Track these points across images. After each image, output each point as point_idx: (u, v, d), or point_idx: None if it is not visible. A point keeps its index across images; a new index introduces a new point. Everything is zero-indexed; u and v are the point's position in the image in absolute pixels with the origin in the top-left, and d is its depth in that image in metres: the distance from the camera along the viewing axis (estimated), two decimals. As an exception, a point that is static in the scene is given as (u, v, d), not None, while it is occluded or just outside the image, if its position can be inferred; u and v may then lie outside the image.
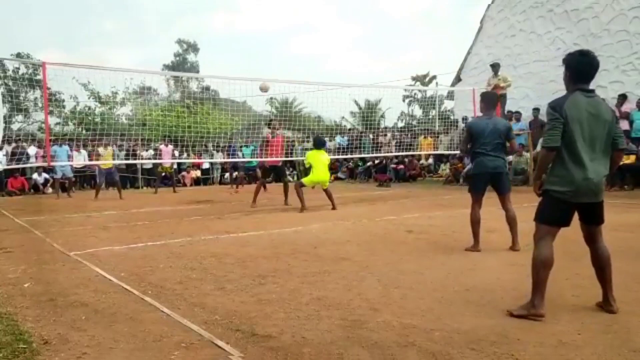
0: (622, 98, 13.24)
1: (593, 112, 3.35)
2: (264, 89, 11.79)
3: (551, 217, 3.47)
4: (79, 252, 5.97)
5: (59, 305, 3.87)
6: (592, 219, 3.52)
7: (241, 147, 18.35)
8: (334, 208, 10.21)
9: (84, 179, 19.20)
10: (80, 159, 15.58)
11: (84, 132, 12.88)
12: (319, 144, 10.73)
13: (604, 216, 3.54)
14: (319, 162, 10.37)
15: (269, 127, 12.12)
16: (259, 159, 12.70)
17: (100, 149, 14.31)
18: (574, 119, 3.32)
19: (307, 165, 10.75)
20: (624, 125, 12.90)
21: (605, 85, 13.97)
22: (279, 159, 11.59)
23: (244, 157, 16.71)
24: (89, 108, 22.89)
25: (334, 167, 21.35)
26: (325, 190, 10.54)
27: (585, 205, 3.43)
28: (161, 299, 3.97)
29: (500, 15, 16.98)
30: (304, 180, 10.53)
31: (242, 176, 18.92)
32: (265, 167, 12.03)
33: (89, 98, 22.09)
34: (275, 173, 12.12)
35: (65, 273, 4.98)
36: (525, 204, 10.23)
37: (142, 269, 5.04)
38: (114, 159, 14.50)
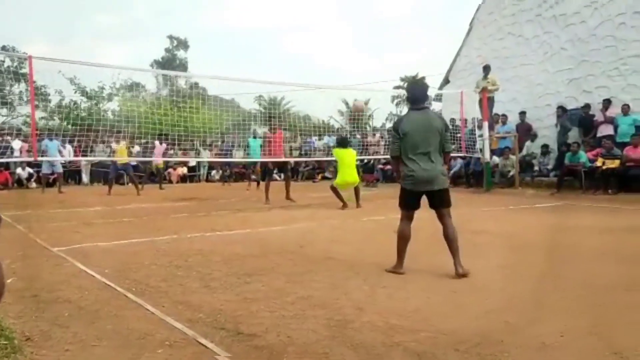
0: (607, 102, 13.40)
1: (424, 123, 4.52)
2: (358, 109, 12.09)
3: (404, 203, 4.69)
4: (63, 248, 5.90)
5: (41, 301, 3.82)
6: (435, 203, 4.62)
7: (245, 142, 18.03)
8: (358, 205, 10.20)
9: (69, 174, 18.99)
10: (66, 153, 15.43)
11: (69, 126, 12.70)
12: (343, 143, 10.75)
13: (445, 202, 4.60)
14: (343, 163, 10.37)
15: (270, 126, 12.14)
16: (261, 159, 12.74)
17: (114, 144, 14.29)
18: (407, 131, 4.52)
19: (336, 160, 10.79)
20: (609, 129, 13.08)
21: (590, 90, 14.13)
22: (281, 159, 11.74)
23: (248, 151, 16.47)
24: (75, 103, 22.63)
25: (320, 167, 21.35)
26: (355, 188, 10.52)
27: (427, 193, 4.58)
28: (145, 296, 3.93)
29: (489, 17, 17.08)
30: (335, 182, 10.52)
31: (252, 172, 18.76)
32: (272, 165, 12.03)
33: (75, 92, 21.87)
34: (278, 169, 12.16)
35: (48, 269, 4.92)
36: (511, 206, 10.40)
37: (126, 266, 4.99)
38: (129, 154, 14.51)
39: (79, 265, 5.02)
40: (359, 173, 11.33)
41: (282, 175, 12.05)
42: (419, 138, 4.50)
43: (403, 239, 4.66)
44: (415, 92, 4.77)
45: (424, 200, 4.67)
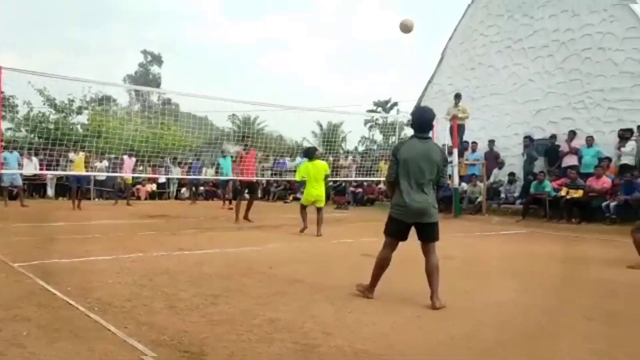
0: (572, 134, 13.82)
1: (424, 153, 4.37)
2: (407, 27, 10.26)
3: (391, 231, 4.52)
4: (24, 264, 5.73)
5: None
6: (423, 236, 4.48)
7: (216, 160, 17.88)
8: (318, 233, 9.23)
9: (34, 187, 18.50)
10: (31, 166, 15.06)
11: (36, 139, 12.43)
12: (308, 154, 10.01)
13: (434, 236, 4.47)
14: (310, 175, 9.55)
15: (243, 145, 12.07)
16: (232, 177, 12.64)
17: (71, 154, 13.88)
18: (405, 158, 4.37)
19: (298, 180, 10.09)
20: (573, 160, 13.47)
21: (556, 121, 14.56)
22: (253, 178, 11.63)
23: (219, 169, 16.36)
24: (43, 115, 22.18)
25: (292, 188, 21.31)
26: (318, 211, 9.53)
27: (416, 225, 4.43)
28: (108, 316, 3.84)
29: (461, 47, 17.52)
30: (302, 200, 9.87)
31: (229, 190, 18.63)
32: (241, 184, 11.89)
33: (44, 104, 21.45)
34: (248, 189, 11.91)
35: (8, 285, 4.76)
36: (478, 232, 10.55)
37: (90, 284, 4.87)
38: (86, 166, 14.08)
39: (40, 282, 4.87)
40: (328, 193, 11.13)
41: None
42: (416, 167, 4.35)
43: (381, 266, 4.53)
44: (422, 120, 4.54)
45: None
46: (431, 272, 4.40)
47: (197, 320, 3.79)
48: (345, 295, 4.69)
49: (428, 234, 4.46)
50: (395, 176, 4.46)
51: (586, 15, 13.92)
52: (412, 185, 4.35)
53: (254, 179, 11.91)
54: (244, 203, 11.53)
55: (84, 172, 14.08)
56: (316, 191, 9.49)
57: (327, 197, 19.10)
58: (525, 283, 5.54)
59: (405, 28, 9.84)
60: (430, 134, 4.63)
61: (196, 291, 4.70)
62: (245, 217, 11.42)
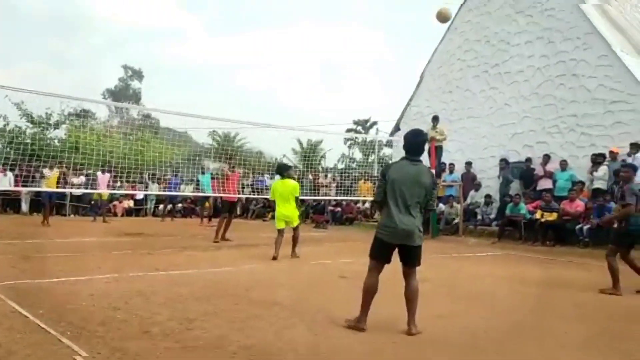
0: (547, 158, 14.10)
1: (413, 175, 4.36)
2: (444, 17, 10.50)
3: (376, 253, 4.47)
4: (-5, 284, 5.63)
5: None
6: (406, 259, 4.43)
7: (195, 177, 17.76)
8: (293, 254, 8.95)
9: (8, 202, 18.14)
10: (5, 182, 14.78)
11: (12, 153, 12.21)
12: (279, 170, 9.44)
13: (417, 260, 4.44)
14: (278, 194, 8.99)
15: (229, 164, 12.15)
16: (212, 194, 12.57)
17: (45, 170, 13.66)
18: (394, 179, 4.36)
19: (271, 199, 9.35)
20: (548, 183, 13.73)
21: (531, 145, 14.86)
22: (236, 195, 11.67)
23: (198, 186, 16.32)
24: (20, 128, 21.86)
25: (270, 205, 21.23)
26: (294, 230, 9.10)
27: (400, 247, 4.38)
28: (81, 341, 3.78)
29: (439, 71, 17.84)
30: (276, 224, 9.10)
31: (208, 207, 18.52)
32: (224, 202, 11.90)
33: (20, 118, 21.16)
34: (228, 208, 11.87)
35: (-23, 308, 4.67)
36: (455, 254, 10.66)
37: (63, 307, 4.80)
38: (58, 182, 13.83)
39: (12, 304, 4.78)
40: (304, 212, 10.93)
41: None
42: (404, 189, 4.31)
43: (369, 292, 4.40)
44: (414, 143, 4.52)
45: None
46: (410, 297, 4.39)
47: (171, 346, 3.76)
48: (322, 319, 4.70)
49: (411, 258, 4.42)
50: (383, 196, 4.42)
51: (560, 42, 14.32)
52: (399, 207, 4.31)
53: (236, 197, 11.93)
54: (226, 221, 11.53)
55: (55, 189, 13.84)
56: (286, 211, 8.93)
57: (306, 216, 19.37)
58: (501, 307, 5.62)
59: (443, 17, 10.31)
60: (421, 157, 4.59)
61: (171, 314, 4.67)
62: (223, 237, 11.38)
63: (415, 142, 4.52)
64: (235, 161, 12.45)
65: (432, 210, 4.73)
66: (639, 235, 6.61)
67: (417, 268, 4.50)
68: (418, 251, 4.42)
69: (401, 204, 4.32)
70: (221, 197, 11.85)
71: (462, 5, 17.28)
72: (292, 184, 9.06)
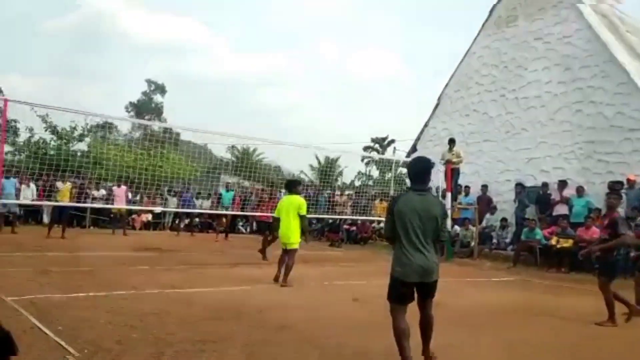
0: (563, 184, 14.05)
1: (423, 208, 4.10)
2: None
3: (396, 295, 4.15)
4: (16, 298, 5.82)
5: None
6: (423, 294, 4.20)
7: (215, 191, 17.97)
8: (283, 282, 8.09)
9: (30, 213, 18.53)
10: (29, 193, 15.15)
11: (38, 165, 12.56)
12: (288, 185, 9.05)
13: (432, 293, 4.22)
14: (282, 211, 8.47)
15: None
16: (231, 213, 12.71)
17: (59, 183, 13.91)
18: (403, 213, 4.09)
19: (275, 216, 8.86)
20: (564, 209, 13.66)
21: (548, 170, 14.83)
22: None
23: (220, 202, 16.58)
24: (44, 141, 22.40)
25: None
26: (288, 256, 8.22)
27: (417, 284, 4.13)
28: (97, 360, 3.93)
29: (456, 94, 17.94)
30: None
31: (223, 223, 18.77)
32: (260, 222, 12.28)
33: (45, 130, 21.69)
34: (266, 227, 12.27)
35: None
36: (469, 278, 10.63)
37: (81, 324, 4.96)
38: (71, 195, 14.08)
39: (32, 320, 4.96)
40: (320, 230, 10.81)
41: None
42: (415, 223, 4.06)
43: (402, 337, 4.02)
44: (418, 170, 4.31)
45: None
46: (425, 327, 4.24)
47: (184, 369, 3.89)
48: (333, 344, 4.78)
49: (429, 292, 4.21)
50: (392, 232, 4.19)
51: (578, 69, 14.35)
52: (413, 243, 4.05)
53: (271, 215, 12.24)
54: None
55: (69, 204, 13.96)
56: (285, 229, 8.27)
57: (321, 234, 19.43)
58: (514, 337, 5.62)
59: None
60: (427, 186, 4.39)
61: (185, 335, 4.79)
62: (262, 253, 11.57)
63: (418, 170, 4.31)
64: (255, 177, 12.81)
65: (442, 240, 4.53)
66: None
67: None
68: (435, 285, 4.21)
69: (415, 239, 4.06)
70: (259, 217, 12.15)
71: (480, 30, 17.41)
72: (298, 200, 8.44)
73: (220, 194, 16.86)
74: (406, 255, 4.06)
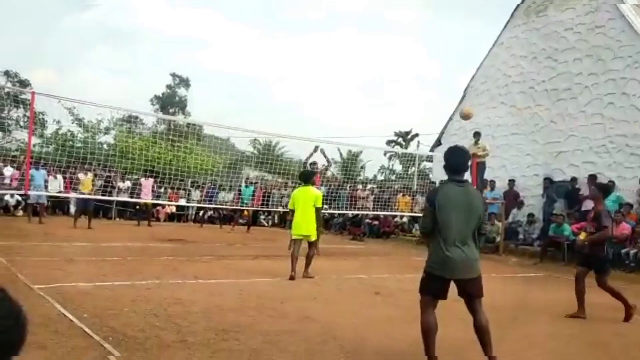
0: (592, 178, 13.68)
1: (464, 201, 3.91)
2: (466, 116, 11.84)
3: (428, 289, 3.98)
4: (43, 286, 5.90)
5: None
6: (465, 292, 3.99)
7: (239, 187, 18.03)
8: (305, 273, 8.11)
9: (57, 204, 18.87)
10: (56, 184, 15.41)
11: (65, 157, 12.75)
12: (303, 177, 8.77)
13: (477, 291, 3.98)
14: (298, 203, 8.28)
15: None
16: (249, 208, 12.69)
17: (81, 175, 14.13)
18: (443, 206, 3.87)
19: (289, 209, 8.73)
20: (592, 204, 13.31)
21: (578, 164, 14.48)
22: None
23: (241, 197, 16.68)
24: (71, 133, 22.79)
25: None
26: (310, 246, 8.37)
27: (456, 281, 3.93)
28: (121, 347, 3.94)
29: (483, 86, 17.62)
30: (292, 232, 8.41)
31: (237, 217, 18.89)
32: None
33: (72, 123, 22.04)
34: None
35: (26, 309, 4.88)
36: (494, 274, 10.46)
37: (105, 311, 5.00)
38: (93, 186, 14.30)
39: (58, 307, 5.01)
40: (342, 224, 10.75)
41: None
42: (456, 218, 3.86)
43: (429, 333, 3.89)
44: (455, 162, 4.09)
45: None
46: (481, 333, 3.96)
47: (206, 357, 3.87)
48: (354, 337, 4.73)
49: (471, 290, 3.97)
50: (431, 226, 3.94)
51: (610, 60, 13.94)
52: (453, 237, 3.84)
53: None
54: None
55: (91, 196, 14.17)
56: (303, 221, 8.13)
57: (343, 228, 19.38)
58: (540, 332, 5.50)
59: (466, 116, 11.49)
60: (465, 176, 4.21)
61: (207, 324, 4.79)
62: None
63: (456, 161, 4.09)
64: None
65: (483, 234, 4.19)
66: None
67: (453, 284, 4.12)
68: (477, 282, 3.96)
69: (454, 234, 3.85)
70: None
71: (509, 20, 17.06)
72: (314, 193, 8.34)
73: (240, 190, 16.95)
74: (443, 250, 3.85)
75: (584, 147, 14.43)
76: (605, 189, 7.29)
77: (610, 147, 13.87)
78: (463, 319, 4.19)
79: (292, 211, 8.41)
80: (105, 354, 3.79)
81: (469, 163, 4.28)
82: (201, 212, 20.97)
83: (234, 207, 16.81)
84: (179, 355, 3.87)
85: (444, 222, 3.87)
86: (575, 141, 14.62)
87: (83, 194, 13.93)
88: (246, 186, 16.84)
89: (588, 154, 14.31)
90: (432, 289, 3.96)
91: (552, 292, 8.58)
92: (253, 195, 16.36)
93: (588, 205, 13.48)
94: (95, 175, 15.38)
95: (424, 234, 4.20)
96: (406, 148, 38.46)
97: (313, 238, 8.32)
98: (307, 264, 8.19)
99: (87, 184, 14.13)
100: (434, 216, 3.90)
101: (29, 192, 12.42)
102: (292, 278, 7.81)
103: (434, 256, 3.94)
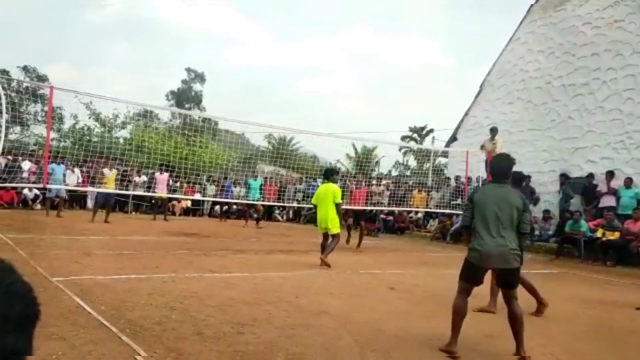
0: (610, 175, 13.55)
1: (500, 196, 4.30)
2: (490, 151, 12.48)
3: (466, 276, 4.38)
4: (61, 279, 5.98)
5: (35, 336, 3.87)
6: (500, 282, 4.47)
7: (246, 180, 18.11)
8: (322, 257, 8.65)
9: (74, 198, 19.11)
10: (73, 178, 15.60)
11: (82, 152, 12.89)
12: (325, 174, 9.55)
13: (510, 283, 4.34)
14: (318, 198, 9.09)
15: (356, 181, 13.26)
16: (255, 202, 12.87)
17: (105, 170, 14.22)
18: (479, 201, 4.36)
19: (312, 203, 9.45)
20: (611, 201, 13.19)
21: (595, 161, 14.32)
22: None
23: (249, 191, 16.73)
24: (88, 128, 23.03)
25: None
26: (331, 237, 8.93)
27: (496, 270, 4.43)
28: (138, 339, 3.99)
29: (499, 81, 17.48)
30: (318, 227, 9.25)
31: (254, 210, 18.96)
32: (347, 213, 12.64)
33: (89, 118, 22.29)
34: (355, 216, 13.20)
35: (45, 301, 4.88)
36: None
37: (123, 304, 5.06)
38: (116, 182, 14.41)
39: (77, 300, 5.08)
40: (345, 218, 11.21)
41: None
42: (491, 210, 4.25)
43: (459, 314, 4.29)
44: (500, 168, 4.55)
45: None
46: (513, 323, 4.22)
47: (222, 350, 3.90)
48: (369, 331, 4.74)
49: (505, 280, 4.36)
50: (470, 220, 4.41)
51: (629, 55, 13.75)
52: (489, 229, 4.23)
53: (352, 208, 13.24)
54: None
55: (116, 190, 14.25)
56: (322, 215, 8.90)
57: (357, 224, 19.33)
58: (555, 332, 5.46)
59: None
60: (508, 181, 4.57)
61: (223, 317, 4.83)
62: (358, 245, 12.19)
63: (500, 168, 4.56)
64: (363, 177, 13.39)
65: (524, 233, 4.37)
66: None
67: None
68: (512, 273, 4.29)
69: (491, 226, 4.23)
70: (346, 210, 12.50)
71: (525, 15, 16.88)
72: (332, 188, 8.97)
73: (249, 183, 16.99)
74: (479, 241, 4.26)
75: (601, 143, 14.28)
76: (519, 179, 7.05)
77: (628, 143, 13.71)
78: (477, 315, 4.18)
79: (315, 206, 9.22)
80: (123, 345, 3.85)
81: (511, 170, 4.64)
82: (224, 207, 21.03)
83: (250, 202, 16.86)
84: (196, 347, 3.91)
85: (480, 215, 4.32)
86: (593, 137, 14.45)
87: (104, 188, 14.04)
88: (254, 179, 16.88)
89: (606, 150, 14.15)
90: (467, 275, 4.38)
91: (568, 288, 8.50)
92: (261, 189, 16.42)
93: (606, 201, 13.38)
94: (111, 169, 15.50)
95: (465, 227, 4.63)
96: (421, 143, 38.26)
97: (334, 231, 8.90)
98: (326, 252, 8.77)
99: (111, 179, 14.23)
100: (472, 211, 4.40)
101: (49, 186, 12.58)
102: (322, 263, 8.53)
103: (472, 246, 4.34)
